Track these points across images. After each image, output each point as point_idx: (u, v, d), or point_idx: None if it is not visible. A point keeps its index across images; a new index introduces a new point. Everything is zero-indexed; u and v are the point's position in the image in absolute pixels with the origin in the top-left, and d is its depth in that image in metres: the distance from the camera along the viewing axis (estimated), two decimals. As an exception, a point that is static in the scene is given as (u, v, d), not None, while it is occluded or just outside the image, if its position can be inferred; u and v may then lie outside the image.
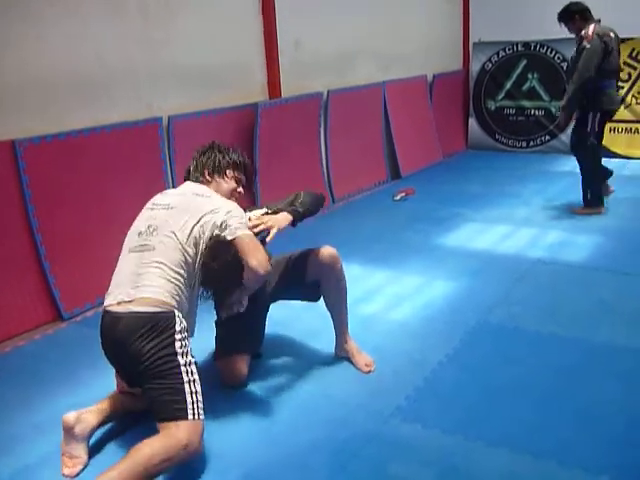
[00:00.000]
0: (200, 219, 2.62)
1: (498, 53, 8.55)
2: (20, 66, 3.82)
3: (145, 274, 2.57)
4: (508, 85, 8.56)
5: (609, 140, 7.83)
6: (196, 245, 2.60)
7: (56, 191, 3.96)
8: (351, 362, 3.22)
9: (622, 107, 7.75)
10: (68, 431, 2.50)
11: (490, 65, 8.64)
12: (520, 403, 2.84)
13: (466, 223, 5.58)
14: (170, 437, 2.34)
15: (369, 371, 3.15)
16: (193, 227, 2.61)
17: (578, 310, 3.74)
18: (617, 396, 2.86)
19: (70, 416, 2.50)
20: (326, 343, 3.37)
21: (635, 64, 7.64)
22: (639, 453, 2.47)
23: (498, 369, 3.14)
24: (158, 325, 2.48)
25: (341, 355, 3.27)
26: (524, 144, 8.58)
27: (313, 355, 3.33)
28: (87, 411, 2.58)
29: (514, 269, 4.44)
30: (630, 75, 7.67)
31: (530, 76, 8.38)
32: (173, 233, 2.60)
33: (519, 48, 8.41)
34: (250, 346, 3.20)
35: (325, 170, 6.41)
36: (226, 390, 3.05)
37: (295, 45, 5.99)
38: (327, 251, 3.09)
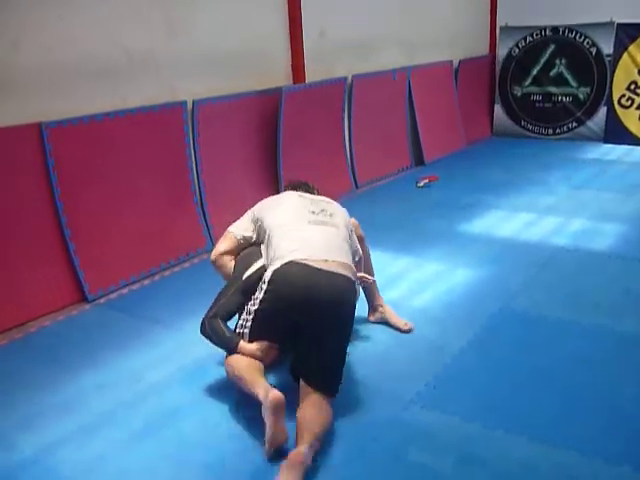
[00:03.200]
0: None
1: (525, 38, 8.42)
2: (45, 49, 3.85)
3: (337, 245, 2.80)
4: (535, 71, 8.42)
5: (638, 128, 7.73)
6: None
7: (81, 174, 4.00)
8: (386, 326, 3.45)
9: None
10: (281, 410, 2.41)
11: (517, 50, 8.51)
12: (541, 392, 2.82)
13: (490, 210, 5.53)
14: (329, 408, 2.57)
15: (409, 329, 3.39)
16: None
17: (602, 299, 3.70)
18: (638, 386, 2.83)
19: (280, 395, 2.41)
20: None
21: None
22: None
23: (519, 357, 3.12)
24: (355, 292, 2.77)
25: (376, 320, 3.49)
26: (550, 131, 8.46)
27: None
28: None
29: (538, 257, 4.39)
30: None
31: (558, 62, 8.23)
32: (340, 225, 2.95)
33: (547, 33, 8.27)
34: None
35: (349, 155, 6.39)
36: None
37: (320, 30, 5.96)
38: (351, 220, 3.22)
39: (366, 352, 3.24)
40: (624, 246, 4.54)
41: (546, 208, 5.51)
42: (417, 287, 3.97)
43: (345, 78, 6.18)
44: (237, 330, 2.80)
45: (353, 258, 2.91)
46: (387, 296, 3.64)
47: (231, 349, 2.75)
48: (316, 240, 2.77)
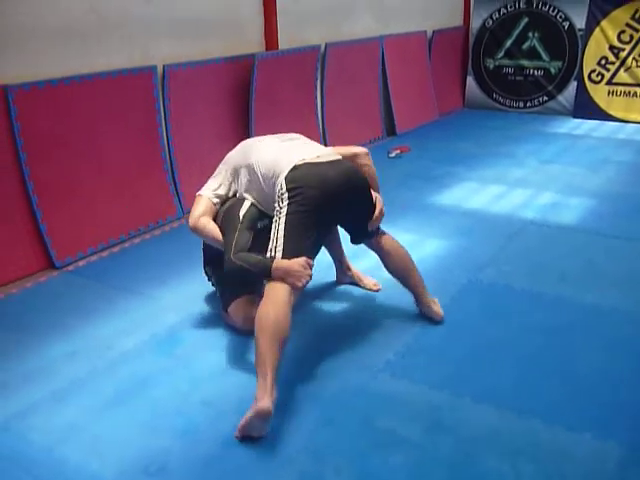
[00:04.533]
0: None
1: (499, 10, 8.42)
2: (12, 12, 3.73)
3: (321, 147, 3.09)
4: (508, 44, 8.44)
5: (607, 103, 7.82)
6: None
7: (48, 139, 3.92)
8: (356, 286, 3.59)
9: (622, 70, 7.71)
10: (264, 419, 2.37)
11: (491, 22, 8.51)
12: (507, 361, 2.89)
13: (460, 182, 5.57)
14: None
15: (378, 289, 3.53)
16: None
17: (567, 271, 3.78)
18: (601, 357, 2.91)
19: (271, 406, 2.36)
20: (320, 293, 3.41)
21: (637, 26, 7.53)
22: (620, 412, 2.53)
23: (487, 327, 3.18)
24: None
25: (344, 281, 3.62)
26: (521, 104, 8.52)
27: (306, 307, 3.36)
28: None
29: (506, 229, 4.46)
30: (632, 37, 7.57)
31: (531, 35, 8.26)
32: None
33: (521, 5, 8.28)
34: (254, 288, 3.20)
35: (320, 125, 6.36)
36: (242, 340, 3.10)
37: (293, -5, 5.88)
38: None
39: (336, 320, 3.28)
40: (590, 220, 4.63)
41: (515, 181, 5.58)
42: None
43: (319, 46, 6.12)
44: (268, 254, 2.72)
45: None
46: (357, 266, 3.67)
47: (268, 269, 2.63)
48: (300, 147, 3.03)
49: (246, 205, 3.04)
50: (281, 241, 2.70)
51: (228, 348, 3.04)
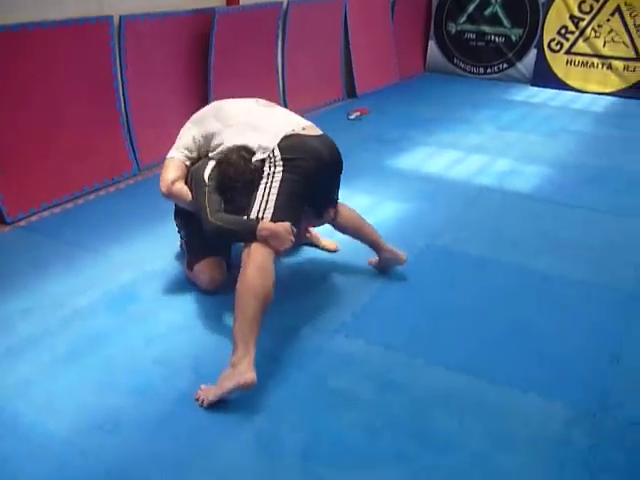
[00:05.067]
0: None
1: (463, -26, 8.38)
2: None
3: (290, 114, 3.08)
4: (471, 8, 8.42)
5: (565, 73, 7.91)
6: None
7: (-1, 88, 3.77)
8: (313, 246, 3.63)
9: (581, 40, 7.78)
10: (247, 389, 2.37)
11: (454, -14, 8.47)
12: (460, 324, 2.96)
13: (418, 146, 5.59)
14: None
15: (336, 250, 3.59)
16: None
17: (521, 238, 3.86)
18: (549, 321, 3.01)
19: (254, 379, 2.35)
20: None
21: (597, -4, 7.60)
22: (567, 374, 2.63)
23: (442, 291, 3.24)
24: None
25: (301, 242, 3.57)
26: (481, 70, 8.55)
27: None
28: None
29: (463, 195, 4.52)
30: (592, 7, 7.63)
31: (493, 1, 8.25)
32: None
33: (485, -30, 8.25)
34: (222, 250, 3.20)
35: (280, 83, 6.27)
36: (199, 297, 3.11)
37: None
38: None
39: (292, 281, 3.29)
40: (545, 188, 4.71)
41: (473, 147, 5.63)
42: (345, 220, 4.02)
43: (281, 3, 6.00)
44: (254, 215, 2.67)
45: None
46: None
47: (253, 230, 2.58)
48: (284, 116, 3.02)
49: (210, 165, 2.94)
50: (272, 204, 2.65)
51: (182, 306, 3.03)
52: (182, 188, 2.94)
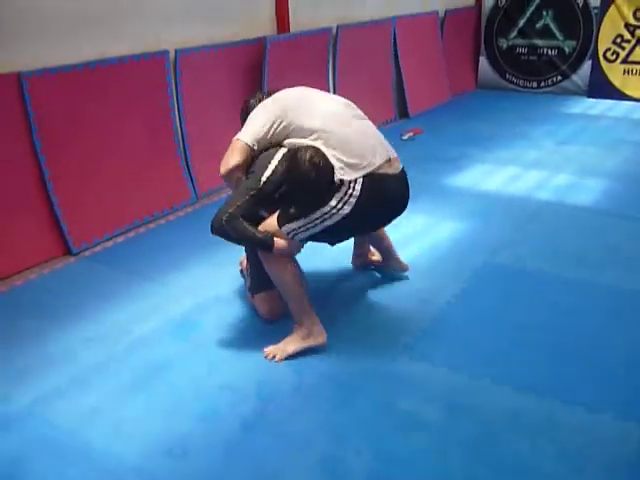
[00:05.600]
0: None
1: (512, -11, 8.31)
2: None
3: (380, 137, 2.90)
4: (521, 23, 8.32)
5: (622, 82, 7.72)
6: None
7: (63, 125, 3.91)
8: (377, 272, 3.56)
9: (637, 48, 7.60)
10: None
11: (504, 1, 8.39)
12: (525, 343, 2.88)
13: (474, 164, 5.53)
14: None
15: (406, 268, 3.47)
16: None
17: (583, 253, 3.75)
18: (618, 337, 2.90)
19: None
20: (336, 277, 3.41)
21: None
22: (633, 389, 2.53)
23: (504, 310, 3.17)
24: None
25: (364, 265, 3.57)
26: (535, 84, 8.43)
27: (322, 292, 3.35)
28: None
29: (522, 211, 4.43)
30: (648, 13, 7.46)
31: (544, 13, 8.13)
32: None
33: (534, -16, 8.16)
34: None
35: (333, 108, 6.31)
36: (260, 323, 3.13)
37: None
38: None
39: (354, 304, 3.27)
40: (606, 201, 4.58)
41: (530, 162, 5.53)
42: (403, 240, 3.97)
43: (330, 28, 6.07)
44: (288, 234, 2.69)
45: None
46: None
47: (268, 247, 2.67)
48: (369, 136, 2.82)
49: (276, 160, 2.71)
50: (313, 232, 2.69)
51: (245, 332, 3.05)
52: (239, 179, 2.81)
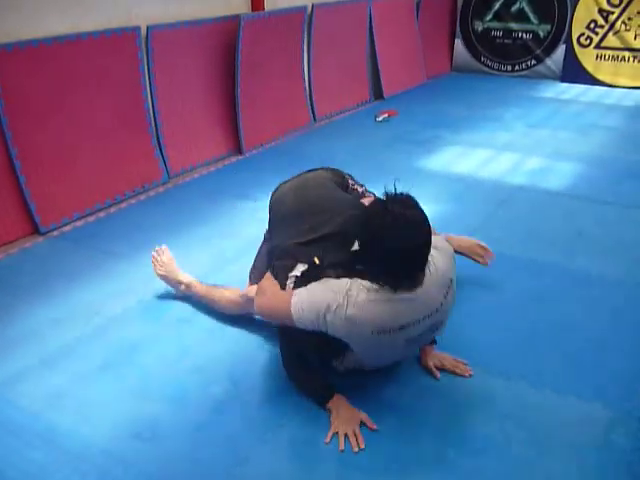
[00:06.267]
0: None
1: (489, -29, 8.29)
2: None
3: None
4: (497, 6, 8.31)
5: (595, 67, 7.77)
6: None
7: (30, 102, 3.82)
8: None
9: (610, 34, 7.64)
10: None
11: (480, -17, 8.38)
12: (498, 327, 2.90)
13: (448, 146, 5.54)
14: None
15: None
16: None
17: (556, 237, 3.79)
18: (590, 323, 2.94)
19: None
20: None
21: (626, -12, 7.46)
22: (607, 375, 2.57)
23: (479, 294, 3.18)
24: None
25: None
26: (509, 68, 8.44)
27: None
28: None
29: (495, 194, 4.45)
30: (621, 0, 7.48)
31: (520, -3, 8.16)
32: None
33: (510, -33, 8.15)
34: None
35: (307, 88, 6.26)
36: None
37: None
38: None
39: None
40: (579, 185, 4.62)
41: (503, 145, 5.55)
42: (376, 223, 3.99)
43: (305, 7, 6.00)
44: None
45: None
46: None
47: (322, 404, 2.37)
48: None
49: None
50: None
51: (217, 314, 3.02)
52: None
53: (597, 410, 2.38)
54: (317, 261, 2.32)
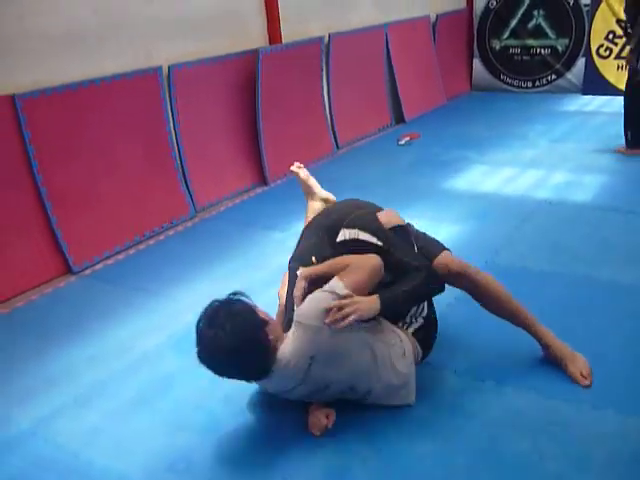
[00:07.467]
0: None
1: (502, -10, 8.34)
2: (17, 19, 3.75)
3: None
4: (513, 23, 8.35)
5: (617, 78, 7.73)
6: None
7: (59, 145, 3.94)
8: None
9: (630, 43, 7.58)
10: None
11: (495, 3, 8.43)
12: (527, 343, 2.86)
13: (472, 166, 5.53)
14: None
15: (587, 385, 2.54)
16: None
17: (582, 249, 3.75)
18: (621, 333, 2.89)
19: None
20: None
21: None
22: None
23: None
24: None
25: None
26: (529, 84, 8.44)
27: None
28: None
29: (520, 210, 4.43)
30: (638, 9, 7.45)
31: (536, 13, 8.17)
32: None
33: (524, -16, 8.19)
34: None
35: (328, 116, 6.33)
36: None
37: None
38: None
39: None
40: (603, 197, 4.58)
41: (528, 162, 5.53)
42: (402, 245, 3.99)
43: (322, 37, 6.10)
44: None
45: None
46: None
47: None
48: None
49: None
50: None
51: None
52: None
53: (633, 424, 2.33)
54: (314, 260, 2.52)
